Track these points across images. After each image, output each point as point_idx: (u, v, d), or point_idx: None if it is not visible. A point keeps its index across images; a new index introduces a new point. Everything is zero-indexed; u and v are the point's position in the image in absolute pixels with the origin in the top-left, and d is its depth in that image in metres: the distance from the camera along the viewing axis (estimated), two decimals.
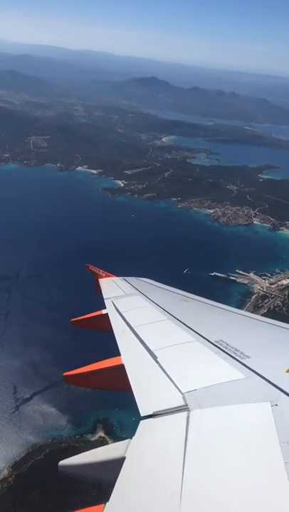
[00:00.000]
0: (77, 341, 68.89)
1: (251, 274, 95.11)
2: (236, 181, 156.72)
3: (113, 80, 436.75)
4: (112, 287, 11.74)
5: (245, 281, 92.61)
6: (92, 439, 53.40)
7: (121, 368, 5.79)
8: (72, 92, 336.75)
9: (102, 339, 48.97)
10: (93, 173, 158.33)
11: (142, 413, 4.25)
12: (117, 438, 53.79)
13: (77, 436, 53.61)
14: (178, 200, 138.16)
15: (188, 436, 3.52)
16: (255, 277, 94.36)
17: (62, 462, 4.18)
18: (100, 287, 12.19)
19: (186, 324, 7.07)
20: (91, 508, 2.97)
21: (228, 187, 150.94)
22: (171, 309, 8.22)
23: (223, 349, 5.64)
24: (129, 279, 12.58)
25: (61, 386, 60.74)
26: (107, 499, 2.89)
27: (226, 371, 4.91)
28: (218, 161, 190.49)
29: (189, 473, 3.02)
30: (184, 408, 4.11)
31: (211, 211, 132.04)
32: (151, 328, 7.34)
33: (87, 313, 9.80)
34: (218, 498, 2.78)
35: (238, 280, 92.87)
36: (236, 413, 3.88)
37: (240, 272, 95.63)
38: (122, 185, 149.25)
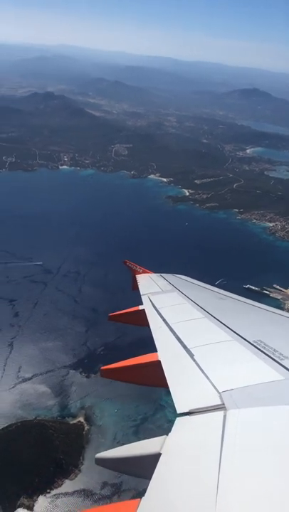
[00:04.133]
0: (89, 334, 74.18)
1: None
2: None
3: (216, 91, 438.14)
4: (149, 283, 11.82)
5: (279, 297, 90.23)
6: (71, 423, 57.44)
7: (157, 364, 5.84)
8: (170, 103, 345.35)
9: (110, 336, 55.02)
10: (163, 181, 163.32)
11: (179, 410, 4.27)
12: (94, 425, 57.76)
13: (58, 418, 58.09)
14: (239, 212, 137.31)
15: (224, 436, 3.51)
16: None
17: (98, 455, 4.26)
18: (136, 283, 12.31)
19: (224, 323, 7.04)
20: (127, 501, 3.03)
21: None
22: (209, 307, 8.21)
23: (261, 349, 5.60)
24: (166, 275, 12.63)
25: (60, 372, 66.05)
26: (143, 494, 2.98)
27: (263, 372, 4.88)
28: None
29: (225, 474, 3.01)
30: (220, 407, 4.11)
31: (271, 224, 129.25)
32: (188, 325, 7.34)
33: (117, 310, 10.32)
34: (254, 500, 2.76)
35: (271, 295, 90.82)
36: (274, 415, 3.86)
37: (277, 286, 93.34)
38: (188, 194, 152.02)
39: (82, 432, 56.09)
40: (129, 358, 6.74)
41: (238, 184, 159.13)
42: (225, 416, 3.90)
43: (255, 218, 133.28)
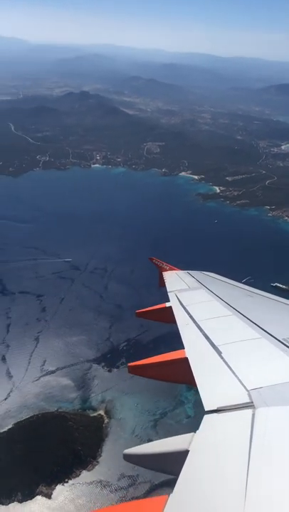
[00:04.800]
0: (113, 330, 75.32)
1: None
2: None
3: (253, 87, 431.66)
4: (175, 280, 11.81)
5: None
6: (91, 415, 58.68)
7: (184, 361, 5.81)
8: (205, 100, 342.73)
9: (133, 332, 69.57)
10: (194, 179, 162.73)
11: (207, 408, 4.24)
12: (113, 418, 58.71)
13: (79, 411, 59.44)
14: (270, 209, 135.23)
15: (253, 434, 3.48)
16: None
17: (126, 451, 4.29)
18: (163, 280, 12.35)
19: (252, 320, 6.96)
20: (155, 497, 2.99)
21: None
22: (236, 304, 8.12)
23: None
24: (193, 272, 12.67)
25: (83, 365, 67.41)
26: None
27: None
28: None
29: (254, 472, 2.97)
30: (249, 405, 4.07)
31: None
32: (215, 322, 7.25)
33: (142, 307, 10.43)
34: (284, 501, 2.67)
35: None
36: None
37: None
38: (219, 191, 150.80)
39: (102, 424, 57.10)
40: (151, 353, 6.94)
41: (271, 181, 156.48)
42: (254, 414, 3.87)
43: (287, 215, 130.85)
